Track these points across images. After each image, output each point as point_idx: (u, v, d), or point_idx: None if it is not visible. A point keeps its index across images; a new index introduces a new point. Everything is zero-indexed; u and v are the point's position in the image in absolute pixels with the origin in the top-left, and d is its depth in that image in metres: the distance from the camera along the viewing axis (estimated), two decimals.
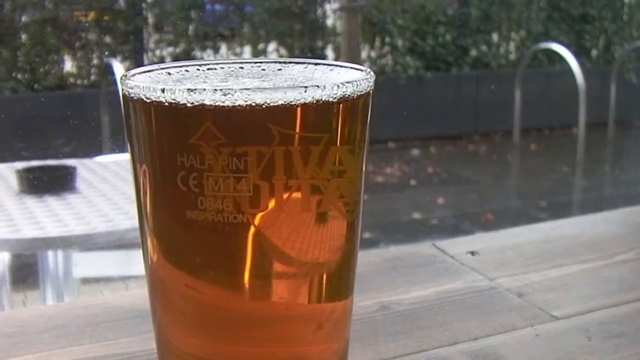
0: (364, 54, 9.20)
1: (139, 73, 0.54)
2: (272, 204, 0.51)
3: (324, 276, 0.56)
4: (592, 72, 8.29)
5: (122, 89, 0.52)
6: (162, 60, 8.96)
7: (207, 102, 0.49)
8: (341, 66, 0.56)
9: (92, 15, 9.06)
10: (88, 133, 7.49)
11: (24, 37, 8.68)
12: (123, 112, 0.52)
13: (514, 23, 10.57)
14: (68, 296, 2.74)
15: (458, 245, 1.00)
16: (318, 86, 0.49)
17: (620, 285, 0.90)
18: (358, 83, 0.52)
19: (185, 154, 0.50)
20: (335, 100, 0.50)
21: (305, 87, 0.49)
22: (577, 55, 7.91)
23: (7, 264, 3.23)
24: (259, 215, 0.51)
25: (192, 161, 0.49)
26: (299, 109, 0.50)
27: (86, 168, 3.19)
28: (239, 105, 0.48)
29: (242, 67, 0.57)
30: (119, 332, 0.78)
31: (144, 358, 0.72)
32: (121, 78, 0.52)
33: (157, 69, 0.55)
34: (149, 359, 0.72)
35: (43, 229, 2.45)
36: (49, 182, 2.88)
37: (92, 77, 8.65)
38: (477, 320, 0.81)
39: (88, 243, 2.56)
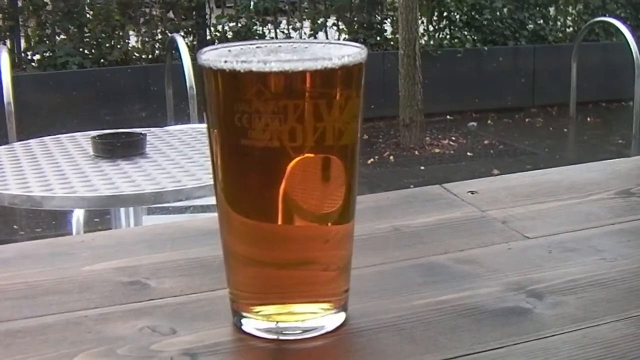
0: (421, 28, 9.27)
1: (209, 50, 0.78)
2: (303, 139, 0.75)
3: (331, 204, 0.79)
4: None
5: (198, 61, 0.77)
6: (224, 34, 9.17)
7: (254, 69, 0.73)
8: (347, 45, 0.79)
9: None
10: (153, 106, 7.76)
11: (89, 13, 8.88)
12: (199, 78, 0.77)
13: None
14: None
15: (461, 187, 1.24)
16: (325, 58, 0.73)
17: (587, 217, 1.13)
18: (354, 56, 0.75)
19: (240, 103, 0.74)
20: (337, 67, 0.74)
21: (317, 59, 0.73)
22: (633, 28, 8.00)
23: (81, 223, 3.50)
24: (294, 146, 0.74)
25: (245, 107, 0.73)
26: (313, 73, 0.73)
27: (154, 136, 3.40)
28: (274, 71, 0.72)
29: (280, 46, 0.81)
30: (192, 244, 1.04)
31: (211, 261, 0.97)
32: (197, 53, 0.77)
33: (221, 48, 0.80)
34: (214, 262, 0.95)
35: (118, 188, 2.66)
36: (121, 148, 3.08)
37: (157, 52, 8.88)
38: (466, 238, 1.05)
39: (158, 200, 2.78)
